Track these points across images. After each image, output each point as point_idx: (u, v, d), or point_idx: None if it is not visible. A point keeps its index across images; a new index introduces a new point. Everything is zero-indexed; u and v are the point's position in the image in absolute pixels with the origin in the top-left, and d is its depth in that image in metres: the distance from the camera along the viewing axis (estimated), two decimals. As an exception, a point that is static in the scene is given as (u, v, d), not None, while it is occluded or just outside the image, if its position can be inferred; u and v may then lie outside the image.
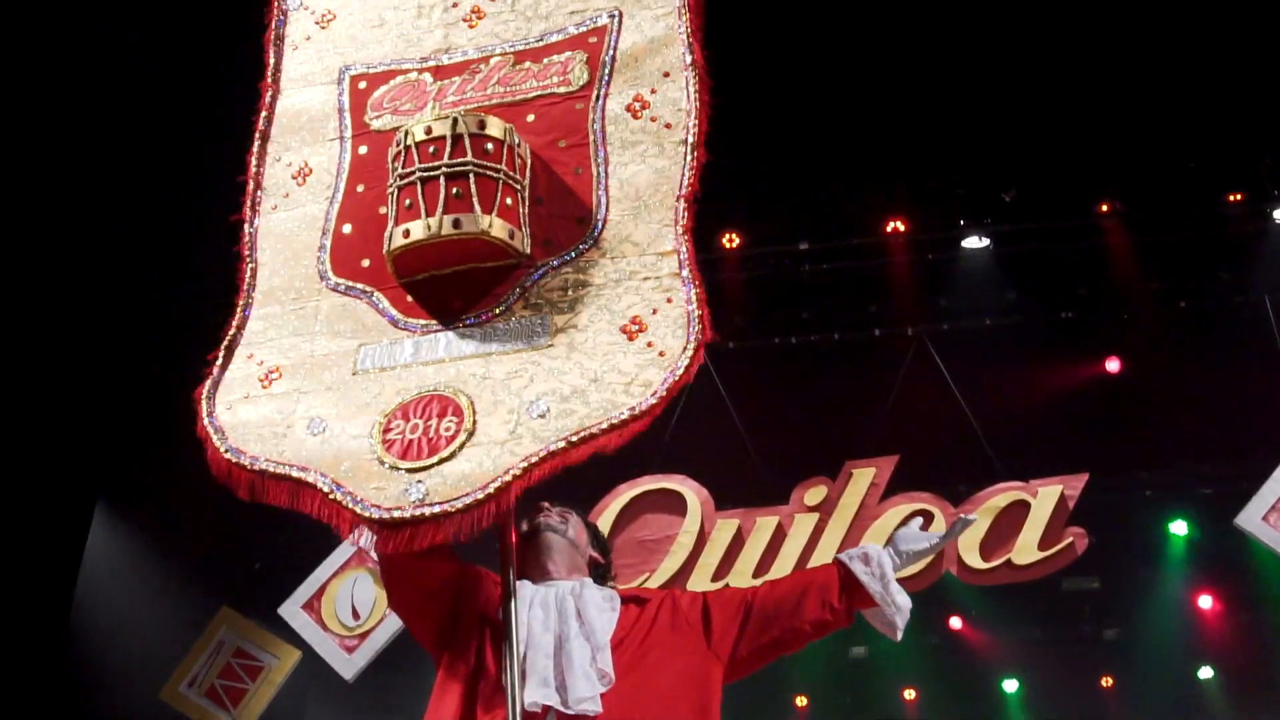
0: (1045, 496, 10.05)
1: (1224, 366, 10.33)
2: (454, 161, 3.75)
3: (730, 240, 10.91)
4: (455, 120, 3.80)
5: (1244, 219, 10.47)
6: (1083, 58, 9.57)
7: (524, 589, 3.74)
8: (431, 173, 3.75)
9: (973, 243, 11.00)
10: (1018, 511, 10.11)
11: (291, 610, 10.50)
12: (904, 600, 3.83)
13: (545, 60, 4.16)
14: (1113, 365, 11.08)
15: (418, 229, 3.73)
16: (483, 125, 3.82)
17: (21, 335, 10.34)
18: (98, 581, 11.26)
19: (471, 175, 3.75)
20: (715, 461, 10.64)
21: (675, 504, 10.16)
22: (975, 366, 10.85)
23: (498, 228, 3.75)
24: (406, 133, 3.84)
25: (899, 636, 3.88)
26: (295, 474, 3.59)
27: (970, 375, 10.83)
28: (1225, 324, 10.60)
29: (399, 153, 3.84)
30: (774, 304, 11.22)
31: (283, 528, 11.05)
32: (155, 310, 10.85)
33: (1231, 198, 10.43)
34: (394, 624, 10.34)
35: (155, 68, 9.23)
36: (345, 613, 10.47)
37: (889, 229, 11.05)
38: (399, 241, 3.76)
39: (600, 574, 4.00)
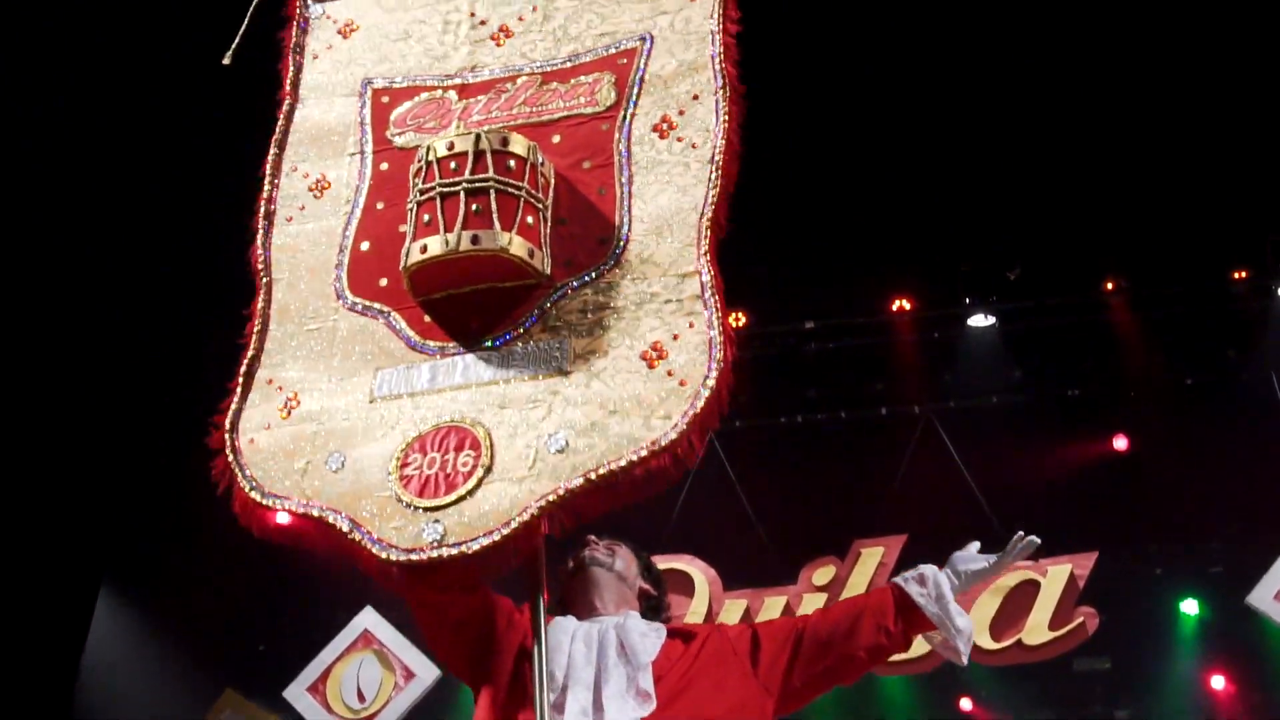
0: (1055, 576, 9.87)
1: (1232, 443, 10.10)
2: (475, 177, 3.54)
3: (736, 319, 10.71)
4: (478, 136, 3.60)
5: (1249, 295, 10.35)
6: (1085, 136, 9.49)
7: (568, 624, 3.56)
8: (452, 188, 3.54)
9: (978, 321, 10.88)
10: (1028, 591, 9.92)
11: (296, 693, 10.27)
12: (964, 622, 3.57)
13: (573, 81, 3.97)
14: (1120, 443, 10.86)
15: (435, 244, 3.52)
16: (506, 142, 3.62)
17: (29, 418, 10.18)
18: (102, 662, 11.01)
19: (492, 192, 3.54)
20: (723, 541, 10.45)
21: (683, 584, 9.97)
22: (983, 444, 10.65)
23: (517, 245, 3.53)
24: (429, 148, 3.64)
25: (964, 660, 3.62)
26: (316, 514, 3.36)
27: (978, 453, 10.63)
28: (1232, 401, 10.40)
29: (420, 168, 3.64)
30: (780, 383, 11.04)
31: (287, 609, 10.81)
32: (160, 394, 10.67)
33: (1237, 274, 10.31)
34: (400, 705, 10.05)
35: (159, 160, 9.19)
36: (351, 695, 10.21)
37: (895, 307, 10.93)
38: (416, 257, 3.54)
39: (652, 606, 3.76)
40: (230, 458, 3.58)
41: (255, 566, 10.58)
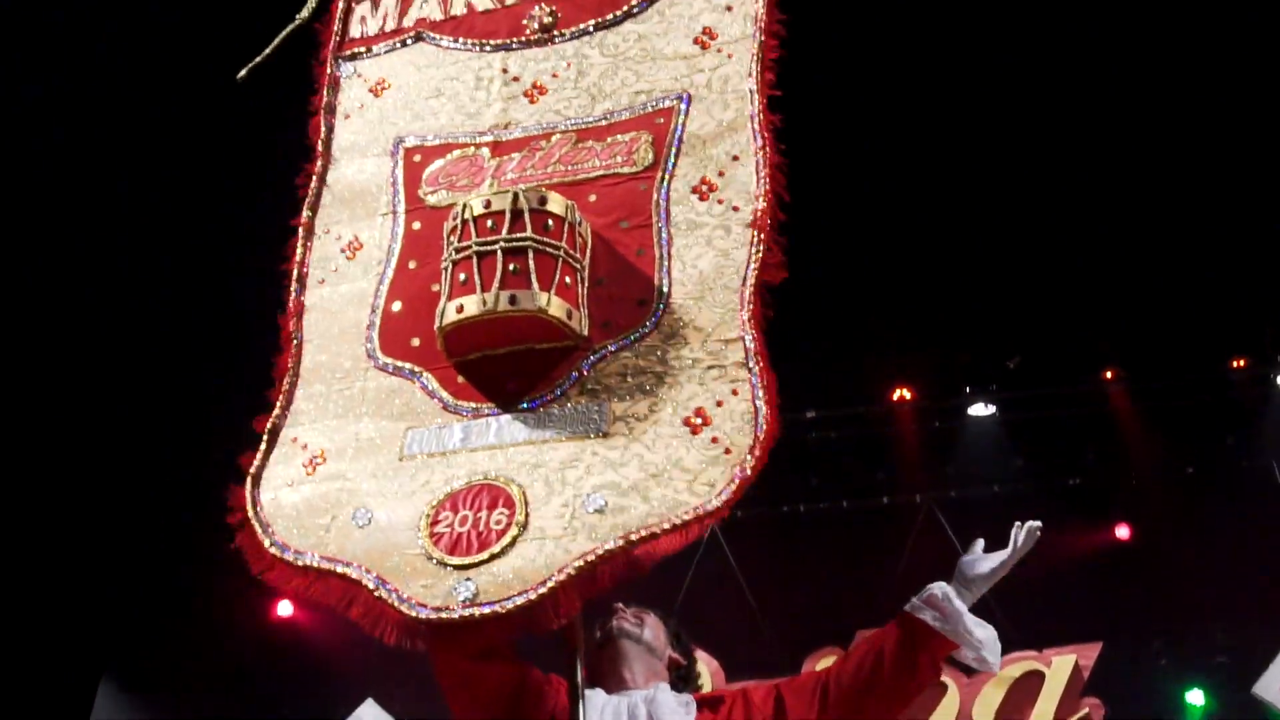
0: (1060, 666, 9.70)
1: (1235, 531, 9.94)
2: (512, 236, 3.43)
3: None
4: (515, 195, 3.49)
5: (1248, 384, 10.28)
6: (1083, 226, 9.46)
7: (597, 698, 3.44)
8: (488, 247, 3.43)
9: (979, 410, 10.78)
10: (1032, 682, 9.75)
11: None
12: (984, 633, 3.48)
13: (609, 139, 3.87)
14: (1123, 532, 10.70)
15: (472, 304, 3.40)
16: (544, 201, 3.50)
17: (30, 512, 10.00)
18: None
19: (530, 251, 3.42)
20: (725, 631, 10.19)
21: (686, 674, 9.69)
22: (984, 534, 10.45)
23: (555, 306, 3.42)
24: (465, 206, 3.53)
25: (997, 668, 3.56)
26: (340, 570, 3.22)
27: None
28: (1234, 489, 10.27)
29: (455, 226, 3.53)
30: (782, 472, 10.86)
31: (285, 702, 10.54)
32: (163, 488, 10.49)
33: (1235, 363, 10.25)
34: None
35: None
36: (350, 789, 9.95)
37: (896, 397, 10.83)
38: (452, 317, 3.42)
39: (682, 676, 3.67)
40: (250, 513, 3.45)
41: (254, 659, 10.38)
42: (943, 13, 8.25)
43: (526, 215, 3.46)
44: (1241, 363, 10.28)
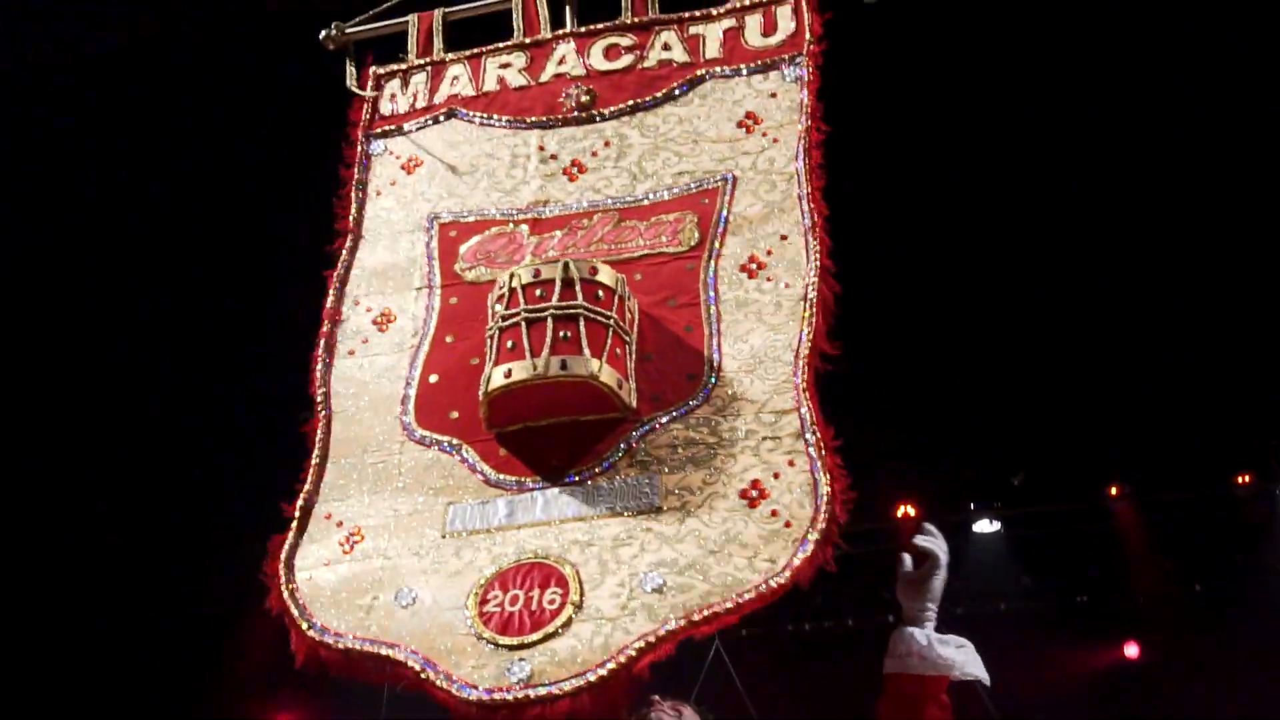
0: (1070, 784, 9.45)
1: (1243, 647, 9.76)
2: (563, 304, 3.32)
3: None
4: (566, 264, 3.39)
5: (1253, 500, 10.16)
6: (1087, 343, 9.40)
7: None
8: (538, 314, 3.31)
9: (983, 526, 10.63)
10: (1044, 800, 9.48)
11: None
12: (953, 652, 3.30)
13: (653, 219, 3.78)
14: (1131, 650, 10.51)
15: (520, 369, 3.27)
16: (594, 271, 3.41)
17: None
18: None
19: (582, 319, 3.31)
20: (728, 752, 9.90)
21: (691, 794, 9.39)
22: (991, 651, 10.17)
23: (606, 374, 3.29)
24: (513, 275, 3.44)
25: (986, 678, 3.35)
26: (384, 651, 3.07)
27: (986, 660, 10.18)
28: (1241, 605, 10.10)
29: (503, 295, 3.42)
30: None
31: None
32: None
33: (1240, 479, 10.14)
34: None
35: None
36: None
37: (900, 513, 10.68)
38: (499, 382, 3.30)
39: None
40: (286, 596, 3.30)
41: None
42: (944, 125, 8.29)
43: (577, 284, 3.36)
44: (1246, 479, 10.17)
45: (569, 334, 3.30)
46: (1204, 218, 8.52)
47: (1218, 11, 7.41)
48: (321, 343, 3.85)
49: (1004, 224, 8.88)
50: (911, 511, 10.65)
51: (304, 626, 3.20)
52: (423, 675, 2.98)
